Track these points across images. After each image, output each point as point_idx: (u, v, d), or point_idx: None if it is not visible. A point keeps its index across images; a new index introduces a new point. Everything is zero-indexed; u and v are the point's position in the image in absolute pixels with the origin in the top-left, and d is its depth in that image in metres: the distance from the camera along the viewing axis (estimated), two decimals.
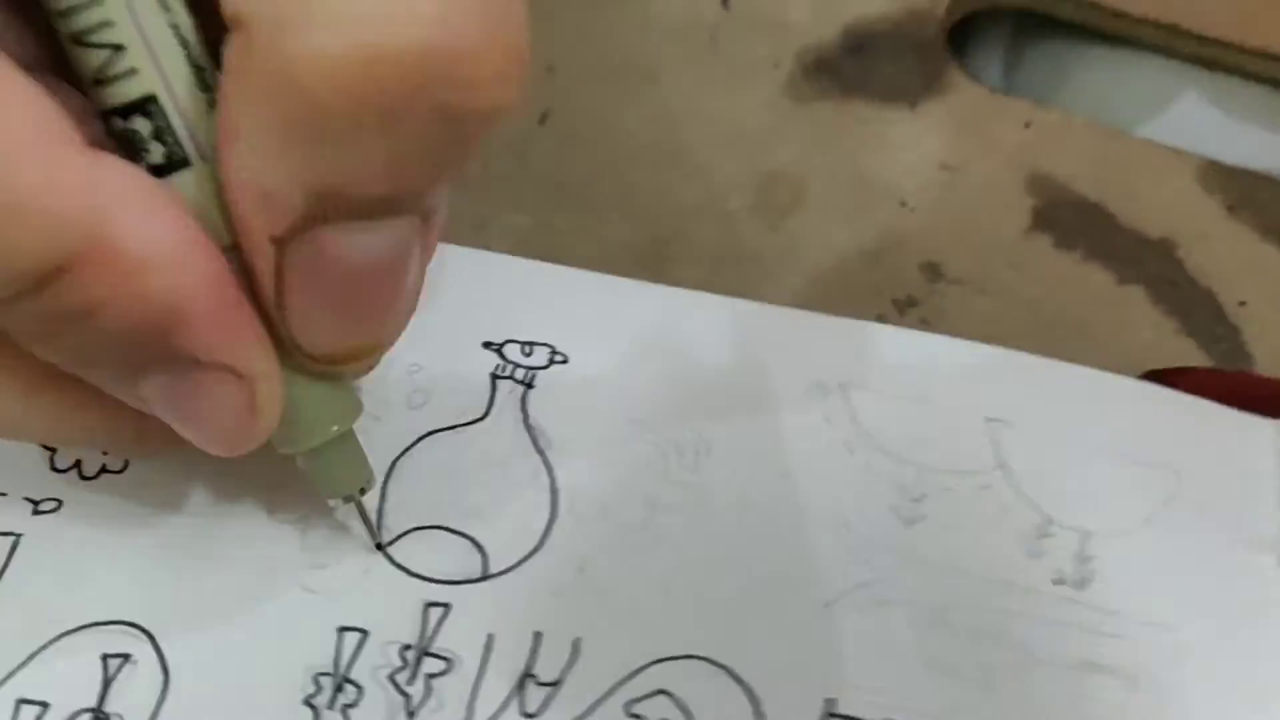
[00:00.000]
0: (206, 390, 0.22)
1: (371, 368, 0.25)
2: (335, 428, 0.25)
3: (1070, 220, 0.38)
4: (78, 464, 0.31)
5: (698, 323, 0.32)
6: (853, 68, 0.41)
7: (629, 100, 0.40)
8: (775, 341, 0.32)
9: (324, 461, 0.26)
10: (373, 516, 0.29)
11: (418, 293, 0.24)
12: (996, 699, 0.27)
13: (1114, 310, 0.37)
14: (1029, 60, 0.43)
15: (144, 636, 0.28)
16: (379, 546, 0.29)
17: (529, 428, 0.31)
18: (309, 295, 0.22)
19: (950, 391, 0.31)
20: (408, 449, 0.31)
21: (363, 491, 0.28)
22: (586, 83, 0.41)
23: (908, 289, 0.37)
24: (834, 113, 0.40)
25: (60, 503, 0.30)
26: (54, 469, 0.31)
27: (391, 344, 0.25)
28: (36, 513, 0.30)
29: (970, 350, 0.32)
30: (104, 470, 0.31)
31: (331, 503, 0.29)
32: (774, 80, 0.41)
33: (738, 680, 0.28)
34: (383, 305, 0.23)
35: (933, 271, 0.37)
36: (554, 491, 0.30)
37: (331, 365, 0.24)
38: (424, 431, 0.31)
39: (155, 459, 0.30)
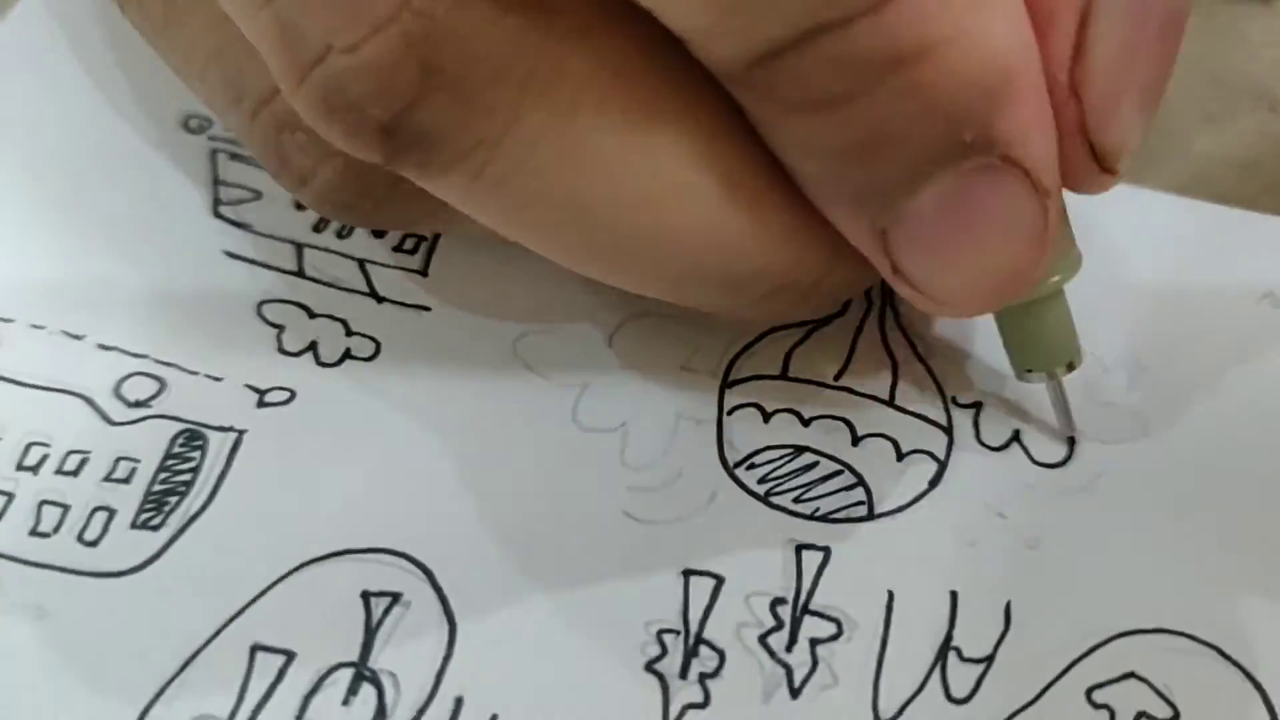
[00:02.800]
0: (1000, 199, 0.17)
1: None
2: (1057, 278, 0.21)
3: None
4: (313, 346, 0.23)
5: (1106, 214, 0.25)
6: None
7: None
8: (1203, 240, 0.25)
9: (1034, 324, 0.21)
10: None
11: None
12: None
13: None
14: None
15: (418, 572, 0.21)
16: (1071, 441, 0.23)
17: (903, 329, 0.24)
18: (1123, 49, 0.18)
19: None
20: (746, 349, 0.23)
21: (1069, 368, 0.22)
22: None
23: None
24: None
25: (292, 394, 0.23)
26: (282, 351, 0.23)
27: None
28: (262, 404, 0.22)
29: None
30: (348, 356, 0.23)
31: (1026, 379, 0.22)
32: None
33: (1233, 663, 0.20)
34: (1168, 67, 0.19)
35: None
36: (947, 410, 0.23)
37: (1105, 167, 0.19)
38: (764, 329, 0.24)
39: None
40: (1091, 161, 0.19)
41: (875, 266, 0.19)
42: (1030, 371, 0.22)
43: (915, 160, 0.17)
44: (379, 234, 0.24)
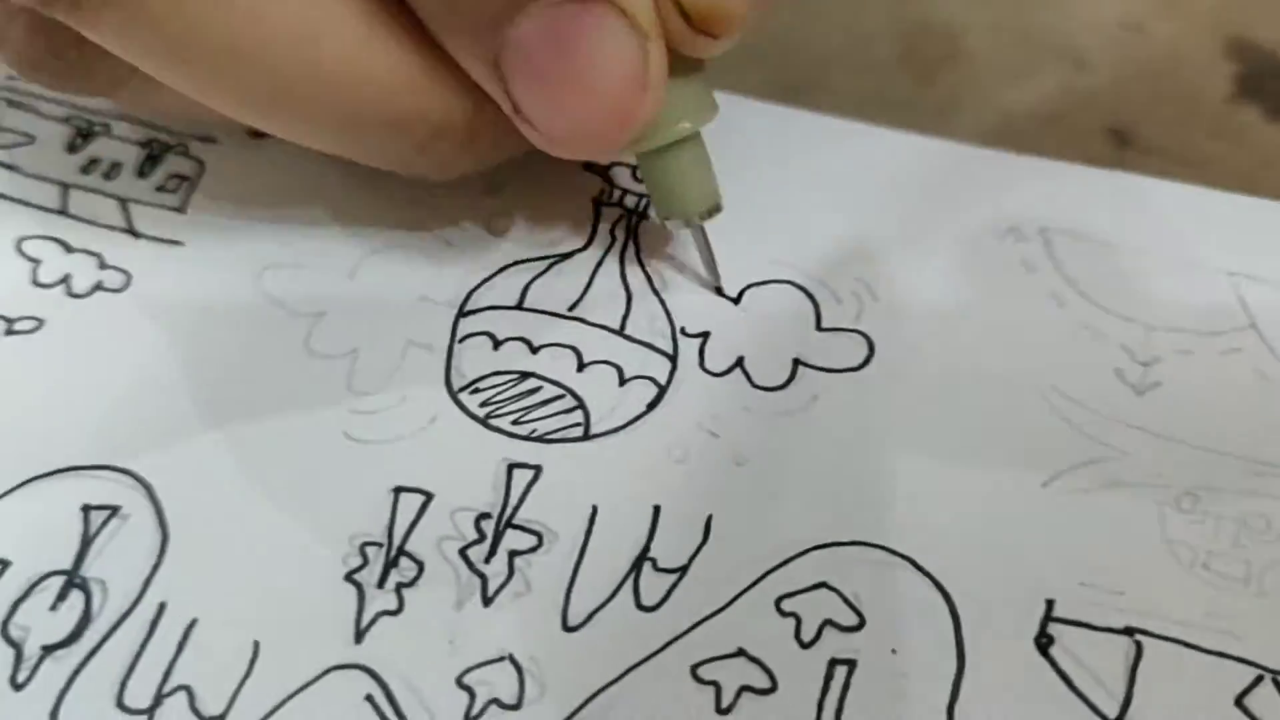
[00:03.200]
0: (596, 32, 0.19)
1: (728, 45, 0.21)
2: (688, 124, 0.22)
3: None
4: (66, 278, 0.24)
5: (858, 156, 0.26)
6: None
7: None
8: (955, 180, 0.26)
9: (669, 170, 0.22)
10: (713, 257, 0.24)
11: None
12: (1267, 603, 0.20)
13: None
14: None
15: (137, 486, 0.21)
16: (719, 291, 0.24)
17: (642, 264, 0.24)
18: None
19: (1177, 241, 0.25)
20: (485, 281, 0.24)
21: (709, 215, 0.23)
22: None
23: (1090, 156, 0.30)
24: None
25: (40, 322, 0.23)
26: (36, 283, 0.24)
27: (747, 19, 0.20)
28: (10, 332, 0.23)
29: (1197, 196, 0.25)
30: (99, 288, 0.24)
31: (670, 226, 0.24)
32: None
33: (925, 575, 0.21)
34: None
35: (1120, 139, 0.31)
36: (674, 339, 0.23)
37: (700, 29, 0.20)
38: (506, 262, 0.24)
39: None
40: (679, 18, 0.20)
41: (499, 104, 0.20)
42: (669, 220, 0.23)
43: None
44: (143, 174, 0.25)
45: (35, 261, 0.24)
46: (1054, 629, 0.20)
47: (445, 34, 0.20)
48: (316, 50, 0.19)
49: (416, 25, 0.20)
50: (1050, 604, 0.20)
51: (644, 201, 0.25)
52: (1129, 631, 0.20)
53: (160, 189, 0.25)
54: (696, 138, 0.22)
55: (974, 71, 0.32)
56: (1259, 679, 0.20)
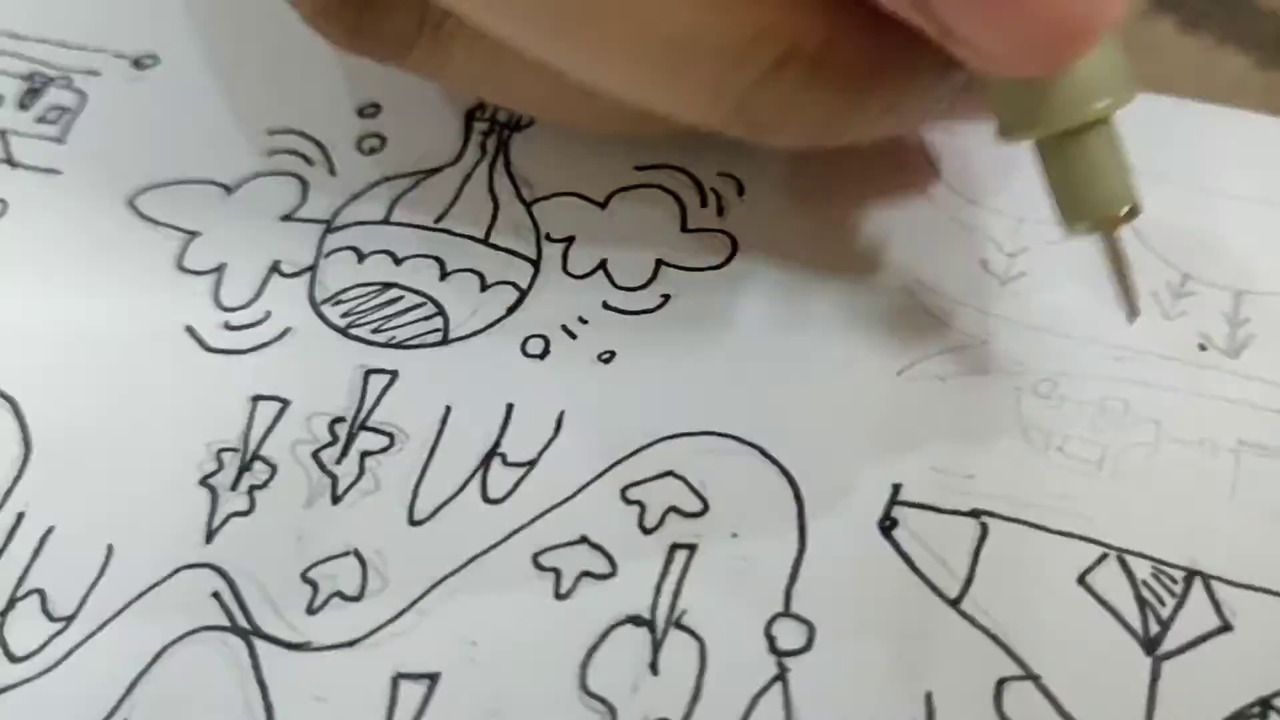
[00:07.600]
0: None
1: None
2: (1106, 100, 0.17)
3: (1197, 2, 0.31)
4: None
5: None
6: None
7: None
8: None
9: (1075, 160, 0.18)
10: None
11: None
12: (1120, 485, 0.20)
13: (1256, 97, 0.29)
14: None
15: (2, 402, 0.22)
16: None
17: (511, 175, 0.24)
18: None
19: None
20: (353, 198, 0.24)
21: (1127, 217, 0.18)
22: None
23: None
24: None
25: None
26: None
27: None
28: None
29: None
30: None
31: (1074, 233, 0.19)
32: None
33: (773, 461, 0.21)
34: None
35: None
36: (538, 245, 0.23)
37: None
38: (375, 179, 0.24)
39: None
40: None
41: (925, 29, 0.16)
42: (1076, 226, 0.19)
43: None
44: (24, 107, 0.26)
45: None
46: (898, 512, 0.20)
47: None
48: None
49: None
50: (897, 488, 0.20)
51: (518, 116, 0.25)
52: (975, 514, 0.20)
53: (41, 120, 0.25)
54: (1109, 120, 0.18)
55: None
56: (1103, 557, 0.20)
